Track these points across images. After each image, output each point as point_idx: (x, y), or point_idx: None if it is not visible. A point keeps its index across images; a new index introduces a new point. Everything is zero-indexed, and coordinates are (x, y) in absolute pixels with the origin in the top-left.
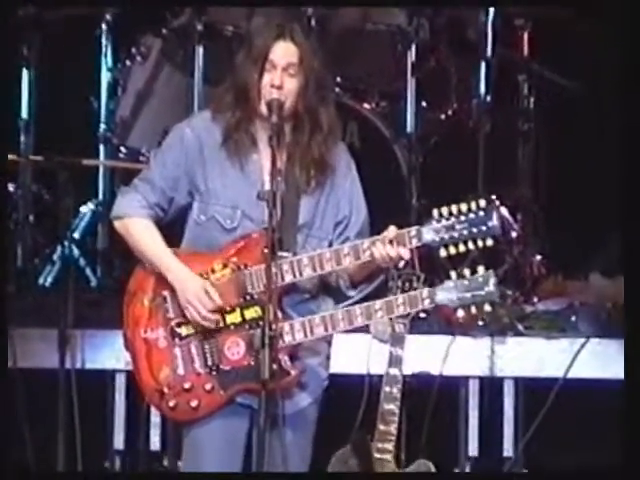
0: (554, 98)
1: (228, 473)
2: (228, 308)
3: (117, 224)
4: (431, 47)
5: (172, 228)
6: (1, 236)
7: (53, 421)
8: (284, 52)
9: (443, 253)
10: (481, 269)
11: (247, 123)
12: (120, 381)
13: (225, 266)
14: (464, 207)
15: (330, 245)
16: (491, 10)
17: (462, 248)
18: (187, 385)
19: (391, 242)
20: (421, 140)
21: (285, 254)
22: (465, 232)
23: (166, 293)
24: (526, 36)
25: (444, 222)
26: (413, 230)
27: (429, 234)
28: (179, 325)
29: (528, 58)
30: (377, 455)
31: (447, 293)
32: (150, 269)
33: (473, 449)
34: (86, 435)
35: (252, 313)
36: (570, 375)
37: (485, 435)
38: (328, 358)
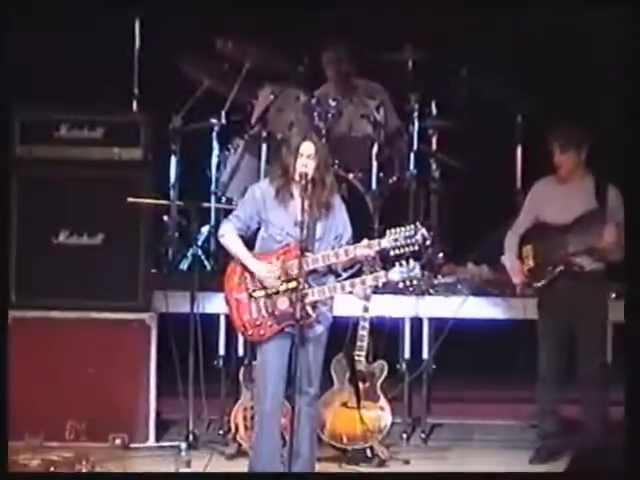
0: (447, 170)
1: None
2: (279, 282)
3: (220, 239)
4: (385, 145)
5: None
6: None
7: (187, 341)
8: (307, 147)
9: (392, 253)
10: (412, 262)
11: (288, 185)
12: (222, 319)
13: (277, 259)
14: (403, 230)
15: (332, 249)
16: (416, 125)
17: (402, 251)
18: (258, 322)
19: (366, 247)
20: (379, 193)
21: (308, 254)
22: (404, 242)
23: (247, 274)
24: (434, 138)
25: (393, 237)
26: (376, 241)
27: (385, 243)
28: (253, 291)
29: (435, 150)
30: (356, 358)
31: (393, 275)
32: (238, 262)
33: (407, 354)
34: (207, 348)
35: (292, 284)
36: (458, 316)
37: (412, 347)
38: (332, 308)
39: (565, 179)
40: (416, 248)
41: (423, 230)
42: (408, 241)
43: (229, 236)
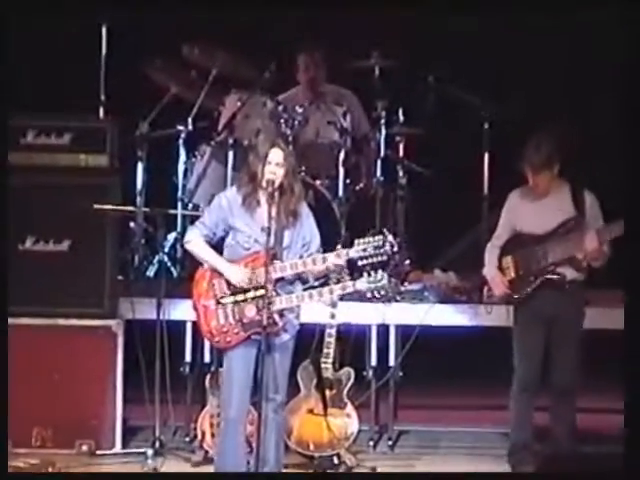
0: (414, 177)
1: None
2: (247, 288)
3: (186, 246)
4: (352, 152)
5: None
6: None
7: (154, 347)
8: (275, 154)
9: (359, 263)
10: (380, 272)
11: (255, 192)
12: (188, 326)
13: (245, 267)
14: (372, 240)
15: (300, 257)
16: (383, 132)
17: (370, 261)
18: (225, 329)
19: (334, 257)
20: (346, 200)
21: (276, 262)
22: (372, 252)
23: (215, 281)
24: (401, 145)
25: (361, 247)
26: (345, 250)
27: (354, 253)
28: (221, 298)
29: (402, 157)
30: (323, 365)
31: (361, 284)
32: (206, 268)
33: (373, 361)
34: (173, 354)
35: (260, 292)
36: (424, 322)
37: (379, 354)
38: (298, 315)
39: (542, 193)
40: (384, 258)
41: (390, 238)
42: (376, 251)
43: (195, 242)
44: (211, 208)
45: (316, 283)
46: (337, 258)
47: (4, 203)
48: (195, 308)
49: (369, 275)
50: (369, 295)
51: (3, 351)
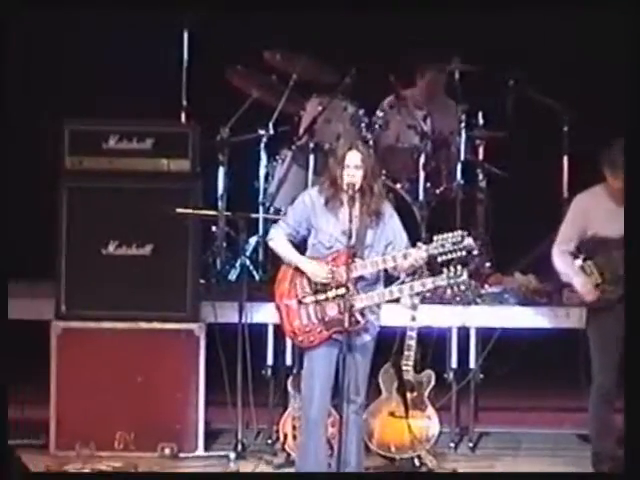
0: (494, 180)
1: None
2: (328, 288)
3: (269, 243)
4: (432, 156)
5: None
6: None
7: (235, 350)
8: (353, 157)
9: (439, 259)
10: (459, 267)
11: (337, 194)
12: (270, 329)
13: (326, 266)
14: (450, 235)
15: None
16: (462, 137)
17: (449, 257)
18: (307, 329)
19: (415, 253)
20: (427, 203)
21: (357, 260)
22: (451, 248)
23: (297, 280)
24: (481, 149)
25: (440, 242)
26: (424, 247)
27: (433, 249)
28: (303, 297)
29: (482, 160)
30: (404, 367)
31: (441, 280)
32: (288, 267)
33: (454, 364)
34: (255, 357)
35: (341, 291)
36: (505, 325)
37: (460, 357)
38: (379, 316)
39: (620, 196)
40: (463, 254)
41: (469, 239)
42: (455, 247)
43: (278, 240)
44: (294, 207)
45: (402, 279)
46: (417, 253)
47: (88, 207)
48: (278, 308)
49: (449, 271)
50: (449, 291)
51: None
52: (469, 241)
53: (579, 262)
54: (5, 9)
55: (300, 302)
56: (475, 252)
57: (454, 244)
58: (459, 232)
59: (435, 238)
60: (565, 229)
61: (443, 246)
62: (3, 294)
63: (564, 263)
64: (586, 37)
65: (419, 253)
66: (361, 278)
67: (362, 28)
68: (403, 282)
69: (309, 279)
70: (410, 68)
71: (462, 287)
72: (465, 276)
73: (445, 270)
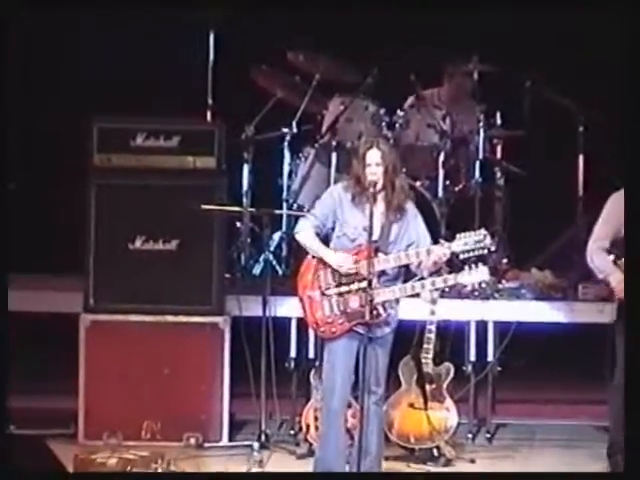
0: (512, 178)
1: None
2: (351, 281)
3: (297, 236)
4: (451, 154)
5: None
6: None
7: (259, 343)
8: (373, 155)
9: (461, 256)
10: (481, 265)
11: (362, 192)
12: (293, 322)
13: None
14: (473, 234)
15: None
16: (481, 136)
17: (470, 255)
18: (329, 320)
19: (438, 250)
20: (446, 200)
21: (380, 254)
22: (473, 246)
23: (320, 272)
24: (499, 147)
25: (463, 240)
26: (447, 244)
27: (456, 247)
28: (327, 289)
29: (500, 159)
30: (423, 360)
31: (462, 277)
32: (311, 260)
33: (472, 357)
34: (279, 350)
35: (363, 284)
36: (522, 319)
37: (478, 350)
38: (397, 310)
39: None
40: (484, 252)
41: (489, 238)
42: (477, 245)
43: (306, 233)
44: (322, 200)
45: (422, 275)
46: (440, 250)
47: (116, 204)
48: (301, 299)
49: (470, 268)
50: (469, 288)
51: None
52: (490, 240)
53: (611, 258)
54: (5, 9)
55: (323, 294)
56: (493, 248)
57: (476, 242)
58: (481, 231)
59: (458, 236)
60: (601, 227)
61: (466, 244)
62: (3, 289)
63: (602, 260)
64: (602, 37)
65: (442, 250)
66: (383, 272)
67: (383, 28)
68: (423, 278)
69: (333, 271)
70: (432, 69)
71: (482, 285)
72: (486, 274)
73: (467, 268)
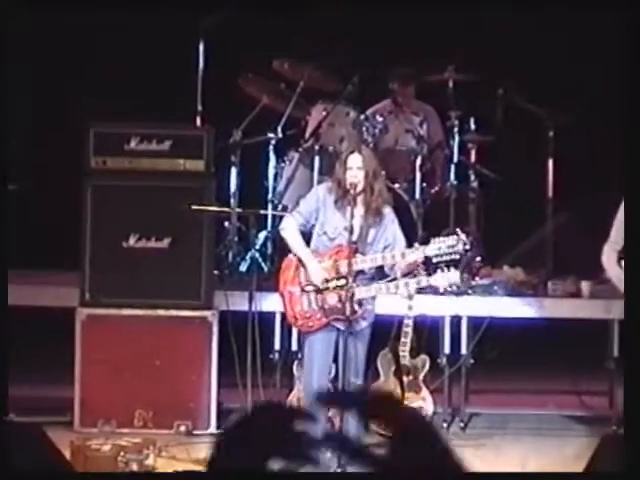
0: (485, 181)
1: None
2: (330, 279)
3: (281, 232)
4: (428, 158)
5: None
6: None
7: (245, 336)
8: (354, 159)
9: (434, 260)
10: (452, 269)
11: (344, 195)
12: (277, 317)
13: (330, 258)
14: (447, 239)
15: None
16: (456, 140)
17: (444, 258)
18: (308, 315)
19: (412, 254)
20: (422, 202)
21: (359, 255)
22: (446, 251)
23: (300, 269)
24: (473, 152)
25: (437, 245)
26: (422, 248)
27: (430, 251)
28: (306, 285)
29: (474, 163)
30: (401, 353)
31: (435, 281)
32: (292, 257)
33: (447, 350)
34: (264, 343)
35: (341, 282)
36: (492, 314)
37: (452, 343)
38: (374, 306)
39: None
40: (457, 257)
41: (463, 237)
42: (450, 250)
43: (290, 230)
44: (307, 199)
45: (395, 275)
46: (415, 254)
47: (111, 204)
48: (281, 294)
49: (442, 271)
50: (442, 290)
51: (3, 340)
52: (463, 241)
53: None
54: (5, 9)
55: (303, 290)
56: (468, 247)
57: (449, 247)
58: (455, 236)
59: (432, 240)
60: (616, 229)
61: (439, 249)
62: (3, 286)
63: (610, 262)
64: (574, 45)
65: (416, 254)
66: (361, 272)
67: (363, 38)
68: (396, 278)
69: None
70: (409, 77)
71: (454, 288)
72: (457, 278)
73: (439, 271)
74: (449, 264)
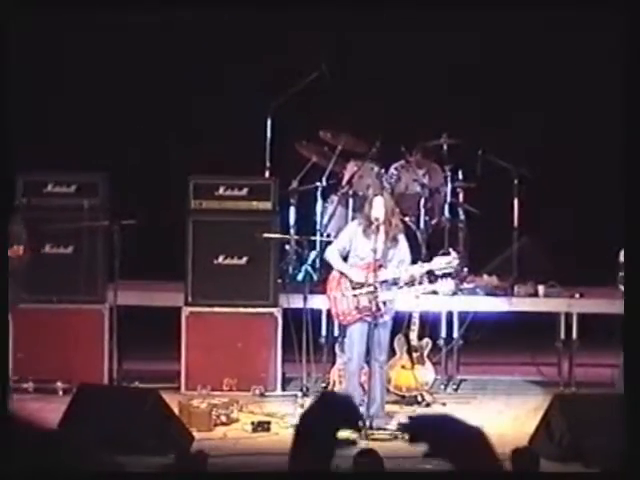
0: (470, 215)
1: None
2: (361, 286)
3: (326, 256)
4: (429, 199)
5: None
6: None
7: (302, 325)
8: (378, 201)
9: (436, 272)
10: (449, 279)
11: (369, 226)
12: (324, 312)
13: (362, 272)
14: (445, 258)
15: (397, 268)
16: (449, 186)
17: (442, 271)
18: (347, 312)
19: (419, 268)
20: (425, 230)
21: (382, 269)
22: (444, 266)
23: (341, 280)
24: (461, 194)
25: (437, 261)
26: (427, 264)
27: (431, 266)
28: (345, 291)
29: (462, 202)
30: (411, 337)
31: (435, 287)
32: (335, 273)
33: (444, 334)
34: (315, 330)
35: (370, 289)
36: (476, 309)
37: (447, 330)
38: (394, 305)
39: None
40: (452, 271)
41: (455, 255)
42: (447, 265)
43: (332, 254)
44: (343, 233)
45: (407, 283)
46: (420, 269)
47: (205, 234)
48: (328, 297)
49: (441, 280)
50: (440, 293)
51: (3, 336)
52: (457, 263)
53: None
54: (5, 9)
55: (343, 295)
56: (458, 262)
57: (447, 263)
58: (450, 257)
59: (434, 259)
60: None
61: (440, 264)
62: (3, 283)
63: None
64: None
65: (421, 269)
66: (384, 281)
67: (385, 116)
68: (412, 285)
69: (350, 280)
70: (415, 142)
71: (449, 293)
72: (452, 285)
73: (439, 280)
74: (445, 275)
